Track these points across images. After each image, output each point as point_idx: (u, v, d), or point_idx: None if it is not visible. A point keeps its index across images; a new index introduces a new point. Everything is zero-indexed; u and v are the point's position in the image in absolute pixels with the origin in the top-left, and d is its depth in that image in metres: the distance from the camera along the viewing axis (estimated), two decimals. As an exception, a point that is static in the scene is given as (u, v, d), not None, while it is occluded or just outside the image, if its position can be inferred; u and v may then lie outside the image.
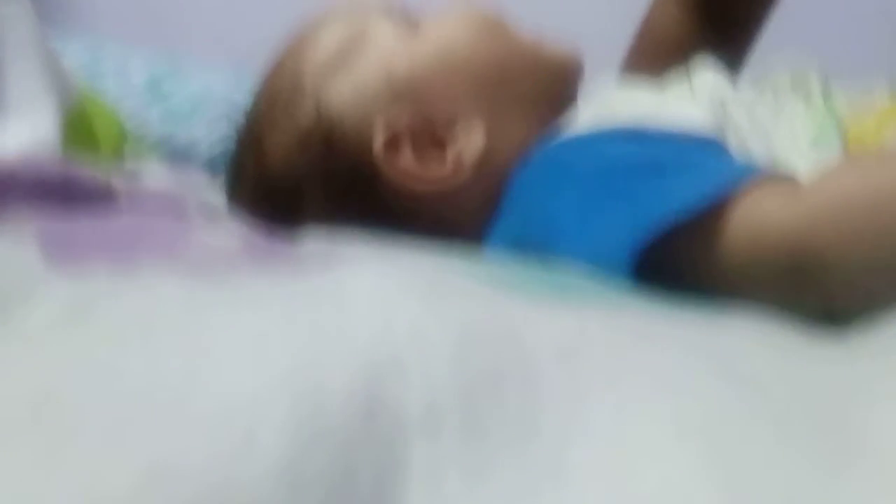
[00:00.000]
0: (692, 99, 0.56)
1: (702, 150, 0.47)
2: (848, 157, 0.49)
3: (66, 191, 0.38)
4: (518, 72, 0.58)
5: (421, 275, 0.30)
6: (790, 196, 0.40)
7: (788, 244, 0.39)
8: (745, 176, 0.42)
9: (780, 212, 0.40)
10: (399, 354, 0.23)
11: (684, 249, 0.41)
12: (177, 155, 1.08)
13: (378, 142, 0.53)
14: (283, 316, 0.25)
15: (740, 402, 0.24)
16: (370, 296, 0.27)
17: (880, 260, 0.37)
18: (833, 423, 0.24)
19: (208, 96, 1.15)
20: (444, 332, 0.24)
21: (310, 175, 0.55)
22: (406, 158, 0.53)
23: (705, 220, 0.41)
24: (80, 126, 0.51)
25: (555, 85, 0.59)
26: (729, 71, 0.60)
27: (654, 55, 0.73)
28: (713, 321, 0.31)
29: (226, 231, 0.42)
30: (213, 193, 0.78)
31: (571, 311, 0.29)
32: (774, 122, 0.54)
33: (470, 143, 0.54)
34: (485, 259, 0.45)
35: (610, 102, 0.56)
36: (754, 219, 0.40)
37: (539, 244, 0.46)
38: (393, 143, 0.54)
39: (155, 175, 0.64)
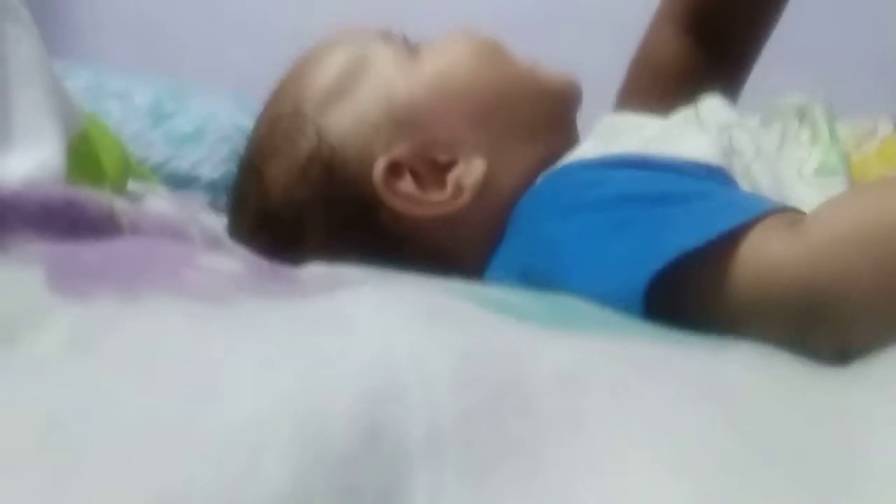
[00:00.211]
0: (698, 125, 0.56)
1: (709, 181, 0.47)
2: (847, 189, 0.48)
3: (69, 216, 0.38)
4: (517, 97, 0.58)
5: (422, 299, 0.30)
6: (793, 234, 0.40)
7: (795, 284, 0.38)
8: (752, 211, 0.41)
9: (785, 251, 0.39)
10: (400, 379, 0.23)
11: (693, 284, 0.40)
12: (179, 178, 1.09)
13: (378, 168, 0.53)
14: (286, 341, 0.25)
15: (740, 435, 0.24)
16: (371, 320, 0.27)
17: (887, 290, 0.37)
18: (834, 455, 0.24)
19: (210, 119, 1.16)
20: (444, 357, 0.24)
21: (311, 202, 0.55)
22: (406, 184, 0.54)
23: (713, 255, 0.40)
24: (84, 151, 0.51)
25: (554, 110, 0.59)
26: (726, 97, 0.61)
27: (651, 80, 0.74)
28: (714, 351, 0.31)
29: (228, 255, 0.42)
30: (214, 216, 0.78)
31: (572, 338, 0.29)
32: (779, 151, 0.54)
33: (470, 167, 0.54)
34: (486, 285, 0.45)
35: (615, 128, 0.56)
36: (760, 257, 0.40)
37: (544, 272, 0.46)
38: (393, 170, 0.54)
39: (157, 198, 0.64)
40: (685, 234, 0.40)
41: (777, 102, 0.60)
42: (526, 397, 0.24)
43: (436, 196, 0.54)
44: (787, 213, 0.43)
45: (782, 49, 0.76)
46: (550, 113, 0.59)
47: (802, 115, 0.57)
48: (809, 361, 0.33)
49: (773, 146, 0.54)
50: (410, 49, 0.59)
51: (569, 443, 0.22)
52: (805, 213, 0.43)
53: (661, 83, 0.71)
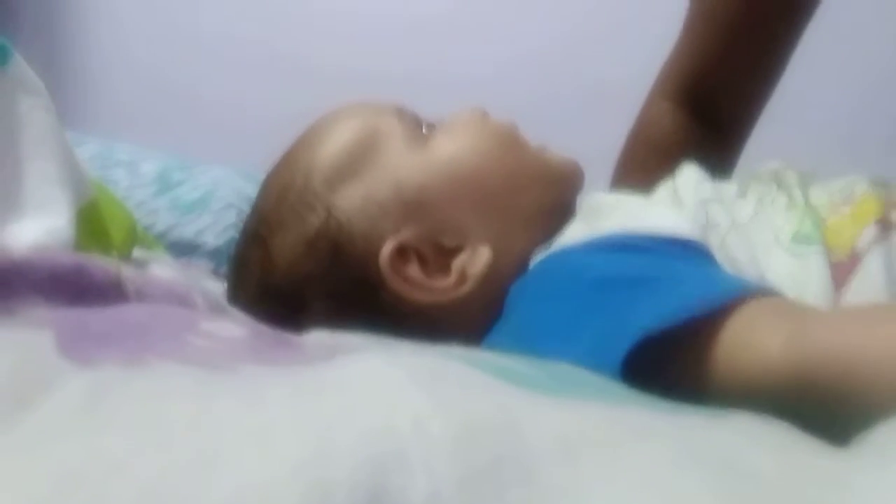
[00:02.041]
0: (676, 200, 0.57)
1: (686, 259, 0.47)
2: (866, 306, 0.47)
3: (77, 283, 0.39)
4: (526, 185, 0.58)
5: (423, 365, 0.31)
6: (796, 325, 0.39)
7: (790, 374, 0.38)
8: (727, 293, 0.41)
9: (783, 341, 0.39)
10: (401, 446, 0.23)
11: (674, 366, 0.40)
12: (183, 245, 1.10)
13: (386, 251, 0.53)
14: (289, 409, 0.25)
15: (739, 499, 0.24)
16: (373, 387, 0.27)
17: (886, 404, 0.34)
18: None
19: (216, 187, 1.17)
20: (445, 424, 0.24)
21: (314, 277, 0.55)
22: (412, 269, 0.54)
23: (692, 336, 0.40)
24: (93, 220, 0.52)
25: (558, 195, 0.60)
26: (720, 171, 0.62)
27: (647, 153, 0.75)
28: (710, 420, 0.31)
29: (231, 321, 0.43)
30: (217, 283, 0.79)
31: (571, 405, 0.29)
32: (755, 217, 0.54)
33: (476, 255, 0.54)
34: (486, 351, 0.46)
35: (598, 208, 0.56)
36: (748, 339, 0.39)
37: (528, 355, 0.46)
38: (400, 253, 0.54)
39: (162, 265, 0.65)
40: (655, 316, 0.40)
41: (754, 170, 0.61)
42: (525, 464, 0.24)
43: (439, 283, 0.54)
44: (777, 299, 0.43)
45: (766, 116, 0.77)
46: (556, 199, 0.59)
47: (779, 180, 0.58)
48: (807, 432, 0.33)
49: (749, 214, 0.54)
50: (424, 127, 0.60)
51: (567, 507, 0.23)
52: (787, 299, 0.43)
53: (658, 156, 0.72)
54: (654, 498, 0.23)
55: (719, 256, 0.50)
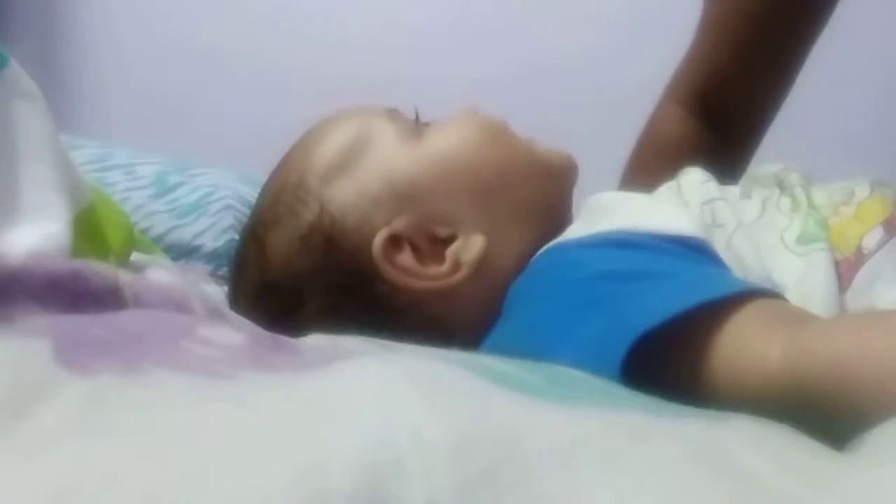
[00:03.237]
0: (681, 200, 0.57)
1: (685, 259, 0.47)
2: (867, 313, 0.47)
3: (74, 288, 0.39)
4: (518, 176, 0.59)
5: (421, 370, 0.31)
6: (794, 332, 0.39)
7: (788, 381, 0.37)
8: (730, 289, 0.41)
9: (781, 347, 0.38)
10: (399, 454, 0.23)
11: (673, 367, 0.40)
12: (180, 248, 1.10)
13: (378, 240, 0.54)
14: (288, 416, 0.25)
15: (737, 499, 0.24)
16: (372, 393, 0.27)
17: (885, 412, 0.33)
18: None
19: (213, 190, 1.17)
20: (444, 431, 0.24)
21: (310, 272, 0.56)
22: (405, 257, 0.54)
23: (690, 333, 0.40)
24: (90, 225, 0.52)
25: (552, 188, 0.60)
26: (728, 178, 0.62)
27: (655, 157, 0.75)
28: (709, 422, 0.31)
29: (230, 326, 0.43)
30: (215, 286, 0.79)
31: (569, 410, 0.29)
32: (760, 219, 0.54)
33: (469, 243, 0.55)
34: (484, 356, 0.46)
35: (601, 206, 0.57)
36: (746, 343, 0.39)
37: (528, 352, 0.46)
38: (393, 242, 0.54)
39: (159, 269, 0.65)
40: (653, 312, 0.41)
41: (755, 173, 0.62)
42: (523, 470, 0.24)
43: (433, 270, 0.55)
44: (776, 302, 0.43)
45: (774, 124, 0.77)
46: (549, 191, 0.60)
47: (781, 183, 0.58)
48: (804, 434, 0.33)
49: (755, 215, 0.55)
50: (418, 127, 0.61)
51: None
52: (787, 303, 0.43)
53: (667, 161, 0.72)
54: (650, 497, 0.24)
55: (725, 256, 0.50)
